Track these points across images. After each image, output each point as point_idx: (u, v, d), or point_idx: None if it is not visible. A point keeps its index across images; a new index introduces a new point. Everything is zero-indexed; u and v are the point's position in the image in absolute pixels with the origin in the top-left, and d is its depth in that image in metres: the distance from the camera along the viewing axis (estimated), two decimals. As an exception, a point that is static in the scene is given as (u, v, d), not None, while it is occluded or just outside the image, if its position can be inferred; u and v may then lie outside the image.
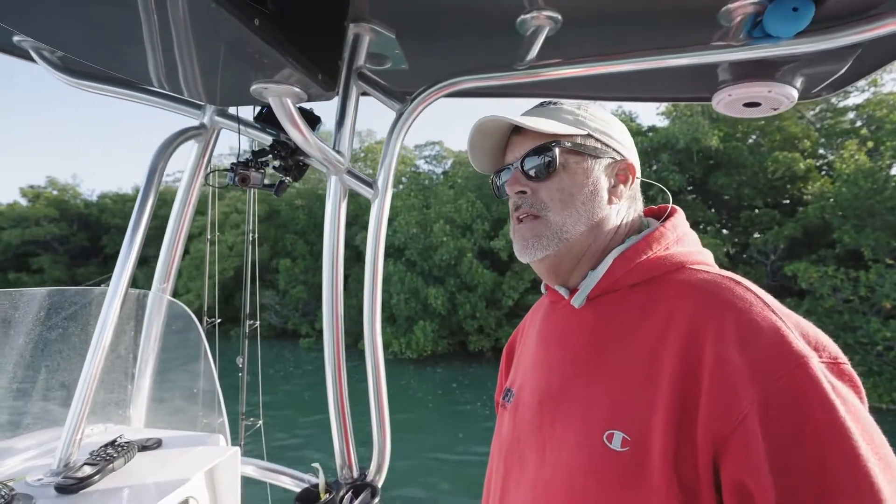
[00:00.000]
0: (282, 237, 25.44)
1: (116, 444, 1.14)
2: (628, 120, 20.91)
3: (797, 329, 0.62)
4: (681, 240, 0.81)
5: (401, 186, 25.27)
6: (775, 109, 1.15)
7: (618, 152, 0.85)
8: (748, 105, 1.16)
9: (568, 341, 0.81)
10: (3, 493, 0.93)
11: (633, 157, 0.88)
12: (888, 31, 0.87)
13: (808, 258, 14.65)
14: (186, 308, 1.39)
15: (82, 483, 1.01)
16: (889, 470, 0.53)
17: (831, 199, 15.10)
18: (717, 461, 0.59)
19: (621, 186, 0.84)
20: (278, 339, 23.35)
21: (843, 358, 0.62)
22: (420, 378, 16.47)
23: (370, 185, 1.24)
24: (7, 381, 1.27)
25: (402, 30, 1.16)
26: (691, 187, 18.65)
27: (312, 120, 1.22)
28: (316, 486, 1.32)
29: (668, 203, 0.88)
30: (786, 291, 15.83)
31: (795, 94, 1.10)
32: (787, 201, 18.09)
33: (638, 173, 0.88)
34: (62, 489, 1.00)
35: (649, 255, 0.77)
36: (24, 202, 33.61)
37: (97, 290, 1.24)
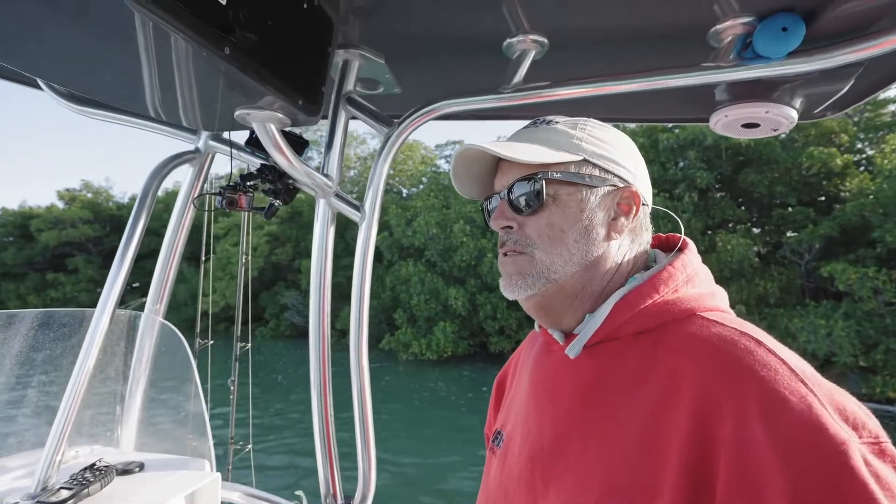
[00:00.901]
0: (304, 237, 25.76)
1: (95, 467, 1.12)
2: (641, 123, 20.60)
3: (832, 404, 0.53)
4: (691, 279, 0.71)
5: (421, 187, 25.39)
6: (775, 130, 1.11)
7: (620, 178, 0.74)
8: (747, 126, 1.12)
9: (561, 392, 0.73)
10: (-20, 517, 0.92)
11: (641, 183, 0.77)
12: (886, 49, 0.82)
13: (845, 258, 13.93)
14: (177, 331, 1.39)
15: (56, 508, 0.99)
16: None
17: (871, 196, 14.40)
18: None
19: (622, 219, 0.74)
20: (301, 338, 23.55)
21: (884, 436, 0.53)
22: (442, 379, 16.29)
23: (357, 208, 1.23)
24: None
25: (391, 54, 1.16)
26: (719, 185, 18.07)
27: (299, 144, 1.22)
28: (300, 514, 1.28)
29: (680, 231, 0.78)
30: (821, 293, 15.24)
31: (795, 114, 1.06)
32: (823, 199, 17.31)
33: (646, 200, 0.77)
34: (38, 514, 0.99)
35: (655, 300, 0.68)
36: (60, 205, 35.07)
37: (88, 311, 1.24)
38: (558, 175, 0.72)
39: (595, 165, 0.73)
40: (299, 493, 1.28)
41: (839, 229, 14.72)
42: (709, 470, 0.54)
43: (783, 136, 17.53)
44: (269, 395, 13.77)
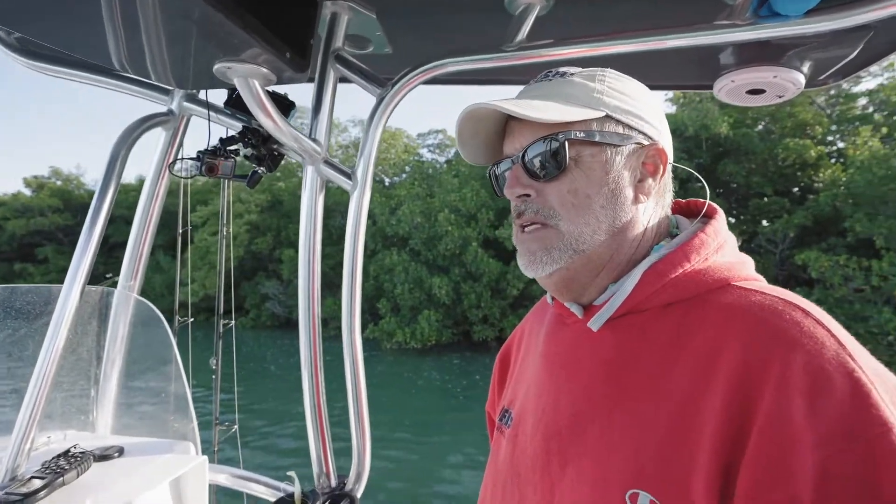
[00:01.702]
0: (285, 227, 25.43)
1: (70, 454, 1.05)
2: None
3: (880, 383, 0.49)
4: (721, 248, 0.66)
5: (404, 176, 25.22)
6: (780, 97, 1.08)
7: (645, 135, 0.68)
8: (752, 92, 1.09)
9: (581, 368, 0.68)
10: (-58, 509, 0.84)
11: (665, 138, 0.71)
12: (905, 9, 0.80)
13: (818, 247, 14.56)
14: (154, 307, 1.30)
15: (26, 499, 0.92)
16: None
17: (843, 187, 14.99)
18: None
19: (650, 180, 0.68)
20: (281, 329, 23.40)
21: None
22: (427, 367, 16.50)
23: (349, 175, 1.16)
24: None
25: (383, 8, 1.08)
26: (699, 174, 18.73)
27: (286, 105, 1.14)
28: (291, 495, 1.24)
29: (706, 196, 0.73)
30: (794, 280, 15.90)
31: (803, 79, 1.03)
32: (797, 189, 17.99)
33: (670, 158, 0.71)
34: (7, 505, 0.92)
35: (686, 269, 0.63)
36: (27, 192, 33.92)
37: (55, 287, 1.15)
38: (581, 135, 0.65)
39: (618, 122, 0.67)
40: (291, 473, 1.23)
41: (812, 219, 15.33)
42: (743, 442, 0.50)
43: (761, 125, 18.06)
44: (254, 385, 13.67)
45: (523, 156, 0.68)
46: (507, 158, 0.71)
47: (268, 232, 25.37)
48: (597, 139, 0.66)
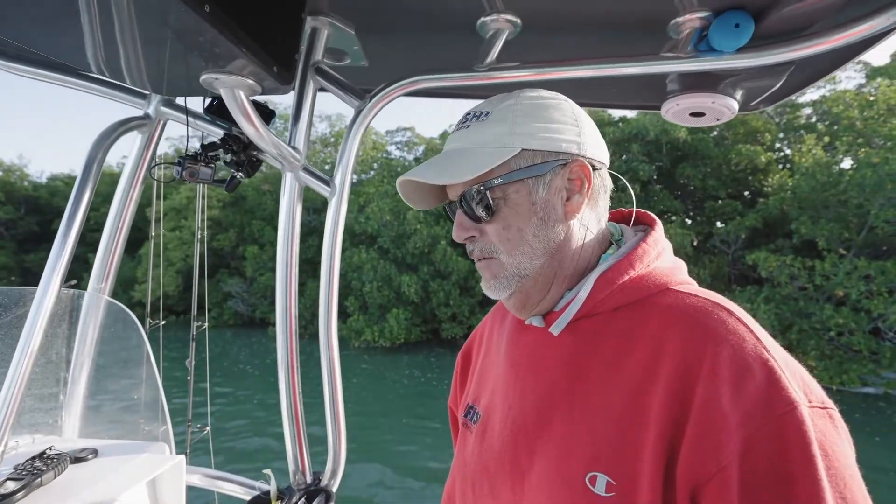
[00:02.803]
0: (248, 223, 24.74)
1: (45, 455, 1.06)
2: (600, 109, 21.53)
3: (788, 370, 0.59)
4: (660, 255, 0.76)
5: (372, 173, 25.07)
6: (718, 120, 1.23)
7: (563, 154, 0.73)
8: (694, 115, 1.23)
9: (543, 368, 0.76)
10: (-89, 514, 0.85)
11: (588, 146, 0.76)
12: (819, 49, 0.95)
13: (766, 248, 15.48)
14: (126, 309, 1.32)
15: (3, 500, 0.94)
16: None
17: (790, 192, 16.07)
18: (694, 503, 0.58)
19: (576, 196, 0.75)
20: (245, 328, 22.71)
21: (830, 402, 0.60)
22: (395, 365, 16.61)
23: (327, 182, 1.22)
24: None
25: (362, 25, 1.16)
26: (657, 177, 19.44)
27: (267, 113, 1.19)
28: (267, 493, 1.29)
29: (632, 202, 0.83)
30: (744, 279, 16.87)
31: (736, 105, 1.18)
32: (749, 193, 19.12)
33: (597, 162, 0.77)
34: (-19, 507, 0.93)
35: (631, 275, 0.72)
36: None
37: (28, 289, 1.15)
38: (500, 181, 0.73)
39: (535, 151, 0.73)
40: (267, 471, 1.28)
41: (762, 221, 16.34)
42: (682, 426, 0.59)
43: (716, 131, 19.10)
44: (221, 384, 13.28)
45: (461, 205, 0.77)
46: (452, 202, 0.81)
47: (230, 228, 24.68)
48: (517, 177, 0.73)
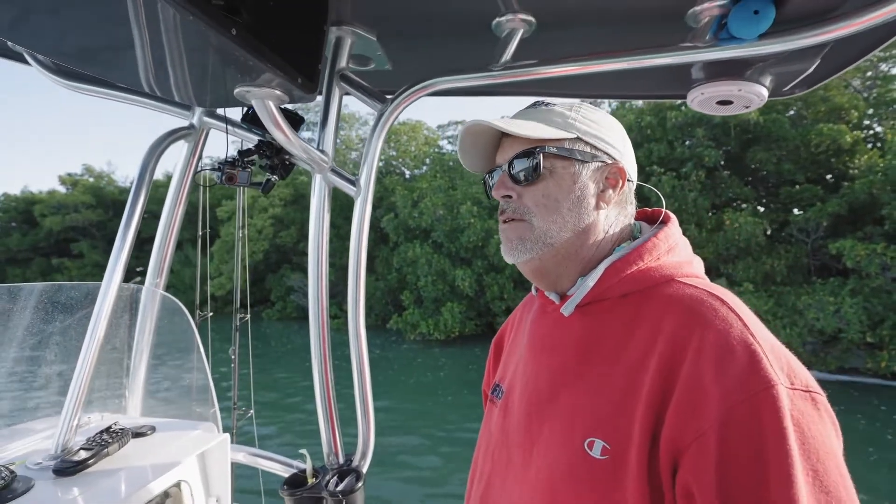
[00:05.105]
0: (308, 220, 25.77)
1: (111, 430, 1.24)
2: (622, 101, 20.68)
3: (772, 353, 0.64)
4: (672, 249, 0.82)
5: (425, 168, 25.46)
6: (747, 107, 1.21)
7: (609, 155, 0.84)
8: (721, 103, 1.22)
9: (557, 348, 0.84)
10: (3, 476, 1.02)
11: (627, 161, 0.87)
12: (847, 32, 0.92)
13: (853, 236, 14.27)
14: (179, 302, 1.48)
15: (78, 467, 1.11)
16: None
17: (880, 174, 14.64)
18: (676, 469, 0.64)
19: (610, 191, 0.84)
20: (306, 320, 23.80)
21: (816, 388, 0.64)
22: (450, 356, 17.06)
23: (353, 182, 1.32)
24: (10, 372, 1.38)
25: (383, 31, 1.24)
26: (726, 163, 18.25)
27: (296, 120, 1.30)
28: (303, 471, 1.42)
29: (662, 206, 0.89)
30: (826, 270, 15.68)
31: (765, 92, 1.16)
32: (831, 176, 17.56)
33: (631, 176, 0.88)
34: (60, 472, 1.11)
35: (640, 266, 0.79)
36: (62, 189, 35.85)
37: (92, 284, 1.33)
38: (554, 150, 0.82)
39: (587, 143, 0.84)
40: (303, 451, 1.41)
41: (847, 207, 14.98)
42: (668, 398, 0.66)
43: (792, 110, 17.68)
44: (275, 372, 14.16)
45: (510, 165, 0.86)
46: (498, 167, 0.89)
47: (291, 225, 25.89)
48: (567, 155, 0.83)
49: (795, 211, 16.68)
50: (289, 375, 14.27)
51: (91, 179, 36.94)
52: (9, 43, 1.29)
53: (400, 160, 26.79)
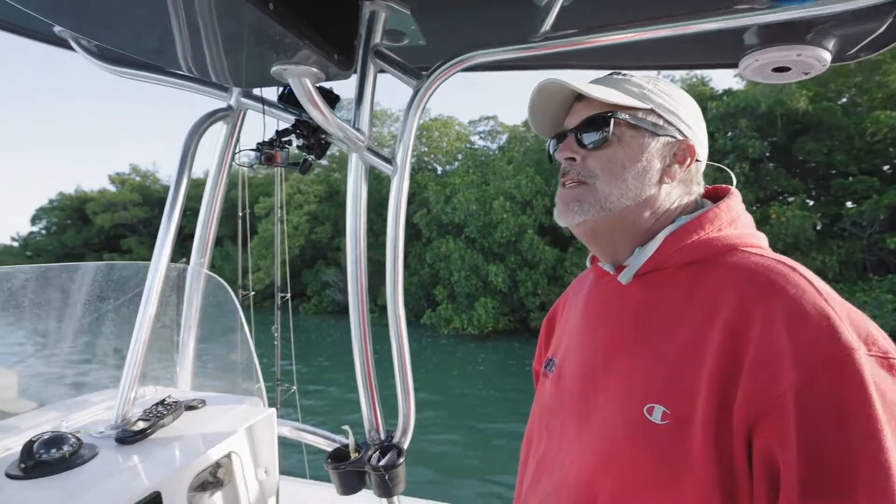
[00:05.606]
0: (342, 216, 26.20)
1: (166, 402, 1.30)
2: (699, 83, 20.00)
3: (848, 319, 0.63)
4: (735, 221, 0.81)
5: (457, 164, 25.44)
6: (806, 74, 1.14)
7: (680, 132, 0.83)
8: (777, 70, 1.15)
9: (613, 317, 0.84)
10: (72, 443, 1.10)
11: (698, 140, 0.86)
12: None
13: None
14: (223, 281, 1.53)
15: (137, 436, 1.18)
16: None
17: None
18: (752, 436, 0.62)
19: (676, 167, 0.83)
20: (342, 314, 24.47)
21: (894, 353, 0.62)
22: (484, 352, 17.19)
23: (389, 161, 1.31)
24: (72, 347, 1.47)
25: (417, 5, 1.21)
26: (772, 154, 17.47)
27: (332, 99, 1.29)
28: (346, 446, 1.46)
29: (732, 182, 0.88)
30: (883, 266, 14.97)
31: (828, 56, 1.08)
32: (889, 167, 16.58)
33: (700, 156, 0.86)
34: (121, 440, 1.18)
35: (701, 236, 0.78)
36: (112, 188, 38.24)
37: (142, 263, 1.38)
38: (626, 117, 0.81)
39: (660, 116, 0.82)
40: (345, 427, 1.45)
41: None
42: (738, 363, 0.64)
43: (845, 97, 16.45)
44: (314, 360, 14.64)
45: (578, 128, 0.84)
46: (565, 131, 0.87)
47: (326, 221, 26.49)
48: (639, 124, 0.82)
49: (848, 204, 15.81)
50: (330, 364, 14.68)
51: (137, 178, 38.96)
52: (55, 29, 1.34)
53: (432, 156, 26.73)
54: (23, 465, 1.03)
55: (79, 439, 1.12)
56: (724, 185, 0.90)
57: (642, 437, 0.70)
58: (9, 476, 1.01)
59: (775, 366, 0.61)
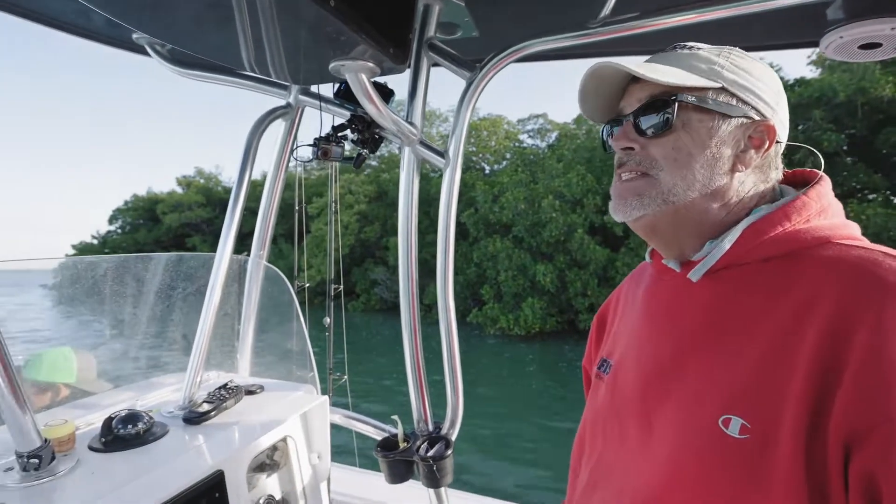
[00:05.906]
0: (391, 216, 27.01)
1: (228, 387, 1.37)
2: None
3: None
4: (825, 211, 0.71)
5: (505, 163, 25.39)
6: (899, 50, 1.03)
7: (757, 111, 0.73)
8: (864, 47, 1.05)
9: (681, 316, 0.76)
10: (146, 421, 1.18)
11: (779, 118, 0.75)
12: None
13: None
14: (280, 272, 1.59)
15: (203, 417, 1.25)
16: None
17: None
18: (849, 455, 0.55)
19: (752, 152, 0.73)
20: (390, 312, 25.07)
21: None
22: (531, 352, 17.04)
23: (441, 154, 1.31)
24: (145, 331, 1.57)
25: (471, -4, 1.20)
26: (847, 147, 16.12)
27: (386, 93, 1.31)
28: (395, 435, 1.48)
29: (820, 166, 0.76)
30: None
31: (926, 30, 0.98)
32: None
33: (780, 137, 0.75)
34: (188, 420, 1.25)
35: (787, 228, 0.68)
36: (179, 190, 41.37)
37: (208, 255, 1.46)
38: (692, 99, 0.71)
39: (733, 95, 0.72)
40: (395, 417, 1.47)
41: None
42: (838, 373, 0.56)
43: None
44: (364, 356, 15.09)
45: (636, 113, 0.74)
46: (621, 117, 0.79)
47: (375, 221, 27.26)
48: (708, 106, 0.71)
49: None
50: (380, 358, 14.98)
51: (202, 181, 41.86)
52: (133, 36, 1.44)
53: (480, 155, 26.74)
54: (103, 440, 1.11)
55: (151, 418, 1.20)
56: (809, 170, 0.79)
57: (717, 454, 0.62)
58: (91, 448, 1.10)
59: (887, 381, 0.53)
